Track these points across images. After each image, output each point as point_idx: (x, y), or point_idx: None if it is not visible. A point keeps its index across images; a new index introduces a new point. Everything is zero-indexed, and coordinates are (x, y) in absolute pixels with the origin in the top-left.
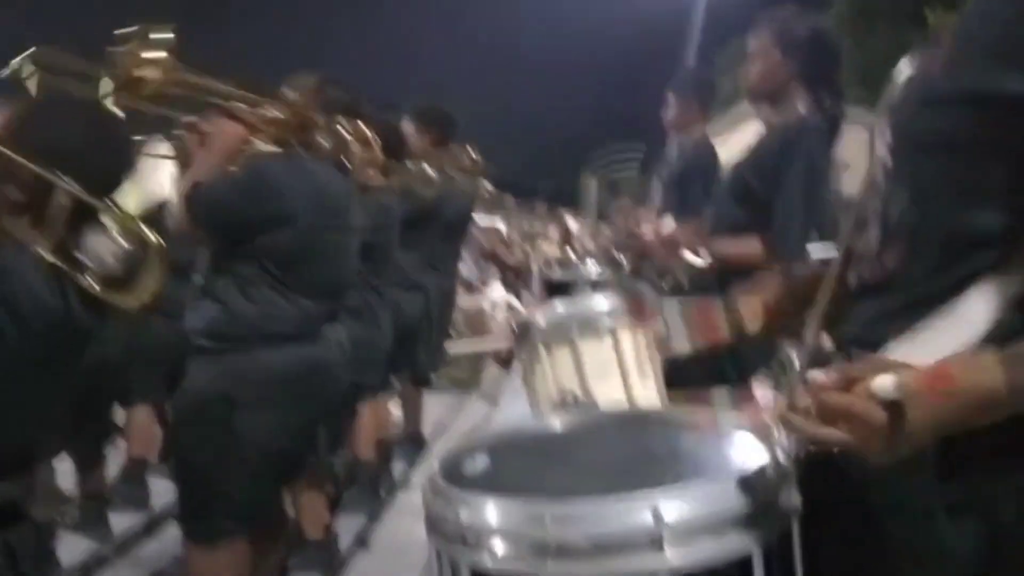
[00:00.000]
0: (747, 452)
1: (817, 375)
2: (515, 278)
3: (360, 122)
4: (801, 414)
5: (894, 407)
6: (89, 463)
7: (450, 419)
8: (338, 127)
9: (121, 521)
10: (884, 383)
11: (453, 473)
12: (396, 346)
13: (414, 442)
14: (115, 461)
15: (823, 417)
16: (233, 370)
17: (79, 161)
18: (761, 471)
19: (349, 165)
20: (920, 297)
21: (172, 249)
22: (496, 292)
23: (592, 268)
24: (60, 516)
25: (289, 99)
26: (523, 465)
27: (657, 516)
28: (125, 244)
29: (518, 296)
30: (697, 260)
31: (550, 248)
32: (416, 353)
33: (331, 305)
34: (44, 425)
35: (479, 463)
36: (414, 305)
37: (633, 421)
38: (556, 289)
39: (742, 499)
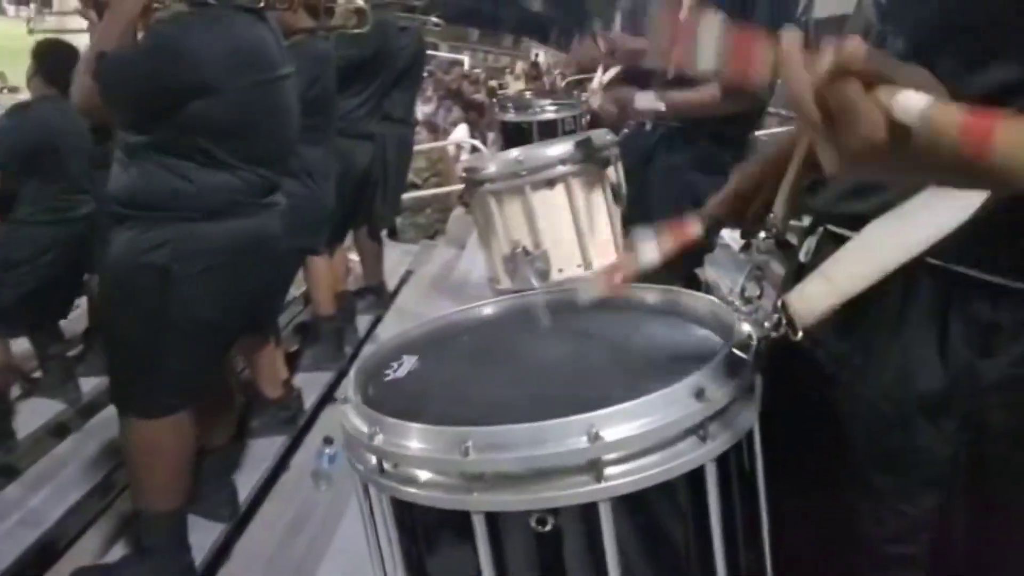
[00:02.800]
0: (701, 344)
1: (853, 42)
2: (480, 117)
3: None
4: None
5: (902, 131)
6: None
7: (416, 267)
8: None
9: (86, 384)
10: (911, 103)
11: (372, 383)
12: (351, 198)
13: (377, 294)
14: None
15: (821, 94)
16: (168, 242)
17: None
18: (714, 371)
19: (266, 6)
20: None
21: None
22: (460, 133)
23: (549, 109)
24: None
25: None
26: (450, 369)
27: (594, 437)
28: None
29: (483, 138)
30: (653, 104)
31: (517, 84)
32: (372, 204)
33: (274, 173)
34: None
35: (403, 367)
36: (364, 154)
37: (575, 304)
38: (513, 130)
39: (691, 407)
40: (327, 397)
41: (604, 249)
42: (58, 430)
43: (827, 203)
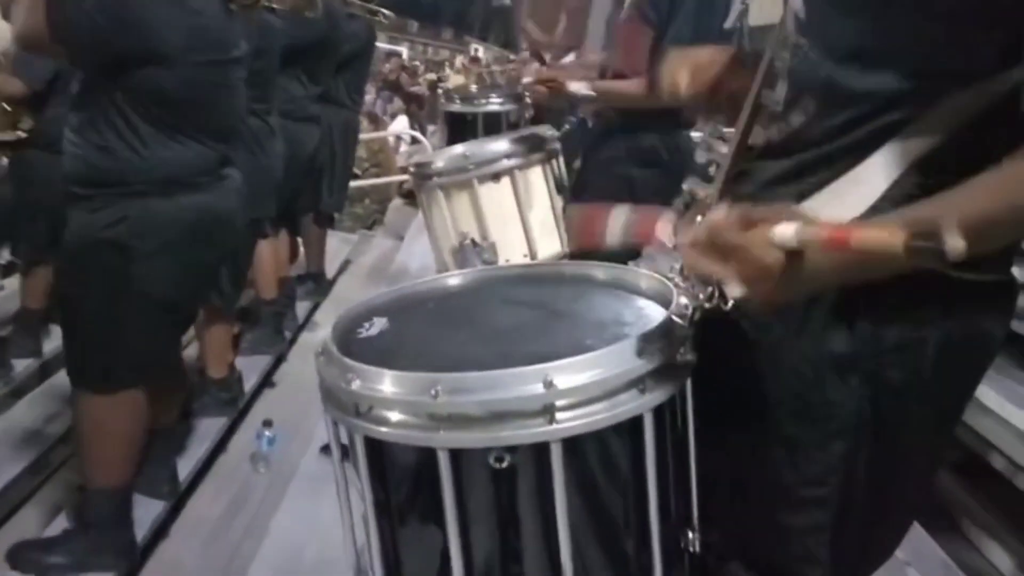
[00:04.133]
0: (643, 312)
1: (716, 212)
2: (419, 109)
3: None
4: (696, 248)
5: (792, 254)
6: None
7: (354, 256)
8: None
9: (15, 366)
10: (785, 232)
11: (347, 339)
12: (296, 182)
13: (317, 281)
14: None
15: (715, 253)
16: (125, 218)
17: None
18: (654, 334)
19: None
20: (822, 158)
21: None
22: (400, 124)
23: (494, 101)
24: None
25: None
26: (418, 329)
27: (548, 384)
28: None
29: (423, 129)
30: (584, 90)
31: (457, 77)
32: (319, 189)
33: (225, 148)
34: None
35: (374, 327)
36: (311, 137)
37: (530, 278)
38: (458, 121)
39: (633, 363)
40: (266, 380)
41: (548, 239)
42: None
43: (755, 190)
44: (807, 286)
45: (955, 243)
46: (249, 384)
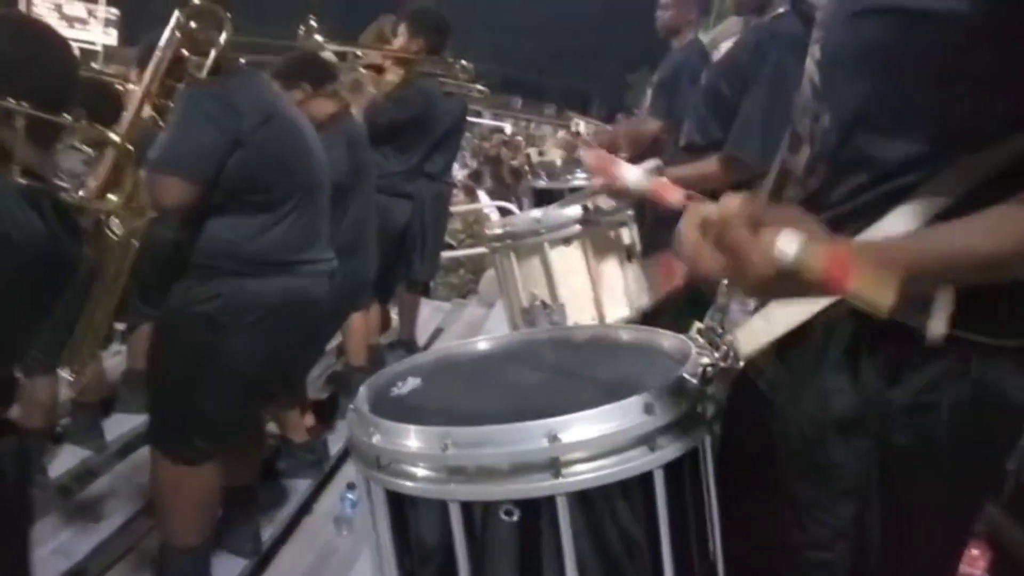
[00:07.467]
0: (661, 371)
1: (730, 203)
2: (516, 182)
3: None
4: (702, 239)
5: (784, 272)
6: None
7: (447, 325)
8: None
9: (121, 424)
10: (786, 249)
11: (379, 397)
12: (388, 254)
13: (408, 348)
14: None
15: (719, 247)
16: (220, 295)
17: (21, 78)
18: (664, 390)
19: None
20: (838, 220)
21: None
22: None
23: (580, 176)
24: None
25: None
26: (446, 388)
27: (553, 438)
28: (89, 150)
29: (519, 202)
30: (640, 178)
31: (556, 152)
32: (411, 260)
33: (315, 218)
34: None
35: (407, 386)
36: (403, 213)
37: (564, 341)
38: (545, 197)
39: (641, 419)
40: None
41: (617, 304)
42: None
43: None
44: (790, 293)
45: (937, 329)
46: (336, 448)
